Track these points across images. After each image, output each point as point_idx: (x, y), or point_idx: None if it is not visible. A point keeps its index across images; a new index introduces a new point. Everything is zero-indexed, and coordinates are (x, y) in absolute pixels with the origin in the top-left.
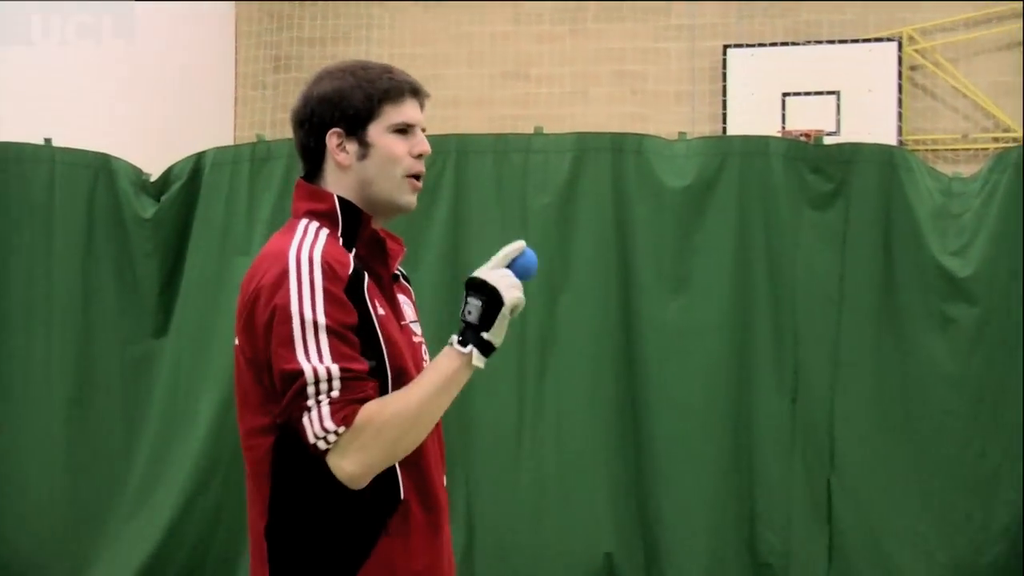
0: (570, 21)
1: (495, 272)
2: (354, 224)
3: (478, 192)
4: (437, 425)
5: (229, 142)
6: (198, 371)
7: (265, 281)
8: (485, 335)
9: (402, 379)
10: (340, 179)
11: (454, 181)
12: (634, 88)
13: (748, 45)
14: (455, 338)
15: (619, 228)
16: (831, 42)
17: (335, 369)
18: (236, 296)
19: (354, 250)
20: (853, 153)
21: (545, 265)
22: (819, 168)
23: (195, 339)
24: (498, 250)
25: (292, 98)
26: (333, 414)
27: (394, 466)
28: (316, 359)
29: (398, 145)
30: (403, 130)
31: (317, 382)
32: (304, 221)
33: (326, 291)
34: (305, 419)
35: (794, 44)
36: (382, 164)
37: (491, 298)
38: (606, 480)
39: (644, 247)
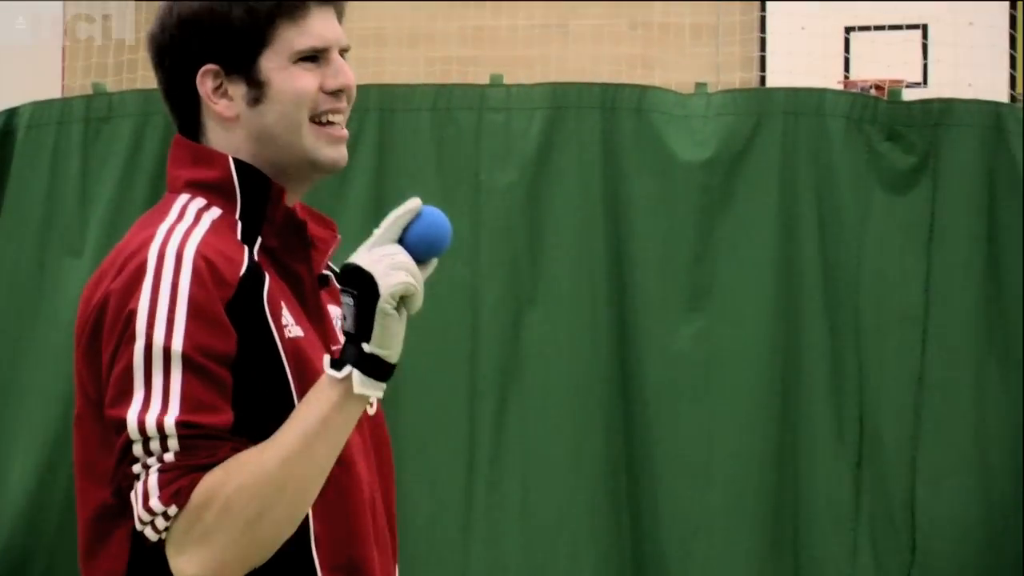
0: None
1: (374, 251)
2: (259, 199)
3: (410, 164)
4: (381, 500)
5: (55, 94)
6: (7, 412)
7: (115, 285)
8: (367, 347)
9: None
10: (228, 136)
11: (376, 148)
12: (633, 19)
13: None
14: (327, 359)
15: (611, 218)
16: None
17: (170, 421)
18: (69, 313)
19: (258, 240)
20: (945, 113)
21: (507, 268)
22: (896, 134)
23: (4, 369)
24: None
25: (143, 30)
26: (161, 487)
27: (312, 563)
28: (155, 404)
29: (304, 79)
30: (312, 57)
31: (146, 439)
32: (183, 197)
33: (192, 302)
34: (132, 494)
35: None
36: (283, 107)
37: (364, 290)
38: None
39: (647, 245)
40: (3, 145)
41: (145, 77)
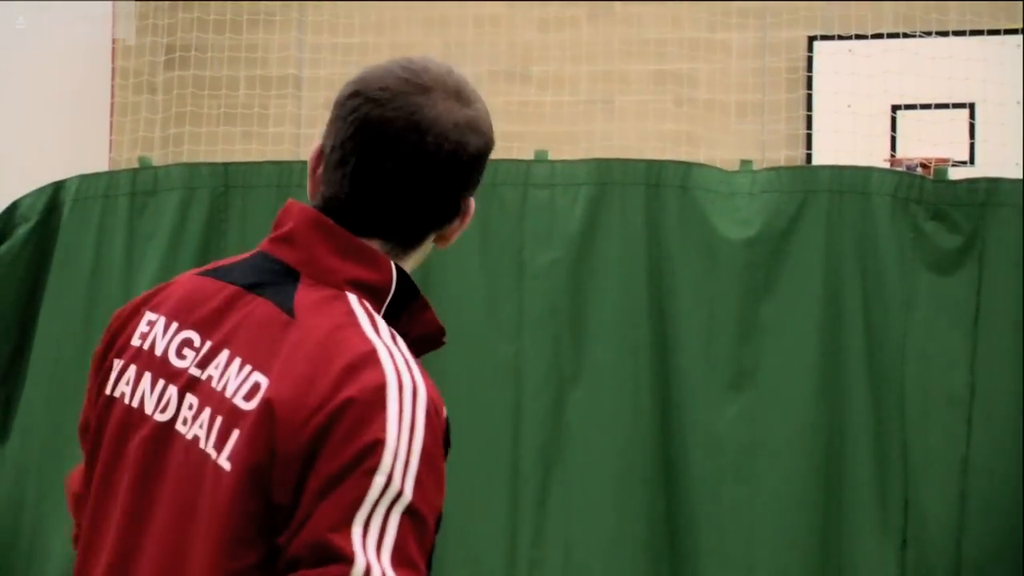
0: (588, 1)
1: None
2: (401, 307)
3: (455, 241)
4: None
5: (102, 167)
6: (51, 495)
7: (356, 395)
8: None
9: None
10: (422, 253)
11: None
12: (679, 96)
13: (843, 37)
14: None
15: (654, 298)
16: (961, 33)
17: (390, 566)
18: None
19: None
20: (992, 192)
21: (550, 349)
22: (942, 214)
23: (48, 450)
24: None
25: (190, 105)
26: None
27: None
28: (373, 551)
29: None
30: None
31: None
32: (354, 300)
33: (426, 452)
34: None
35: (908, 35)
36: (429, 254)
37: None
38: None
39: (690, 324)
40: (50, 218)
41: (191, 151)
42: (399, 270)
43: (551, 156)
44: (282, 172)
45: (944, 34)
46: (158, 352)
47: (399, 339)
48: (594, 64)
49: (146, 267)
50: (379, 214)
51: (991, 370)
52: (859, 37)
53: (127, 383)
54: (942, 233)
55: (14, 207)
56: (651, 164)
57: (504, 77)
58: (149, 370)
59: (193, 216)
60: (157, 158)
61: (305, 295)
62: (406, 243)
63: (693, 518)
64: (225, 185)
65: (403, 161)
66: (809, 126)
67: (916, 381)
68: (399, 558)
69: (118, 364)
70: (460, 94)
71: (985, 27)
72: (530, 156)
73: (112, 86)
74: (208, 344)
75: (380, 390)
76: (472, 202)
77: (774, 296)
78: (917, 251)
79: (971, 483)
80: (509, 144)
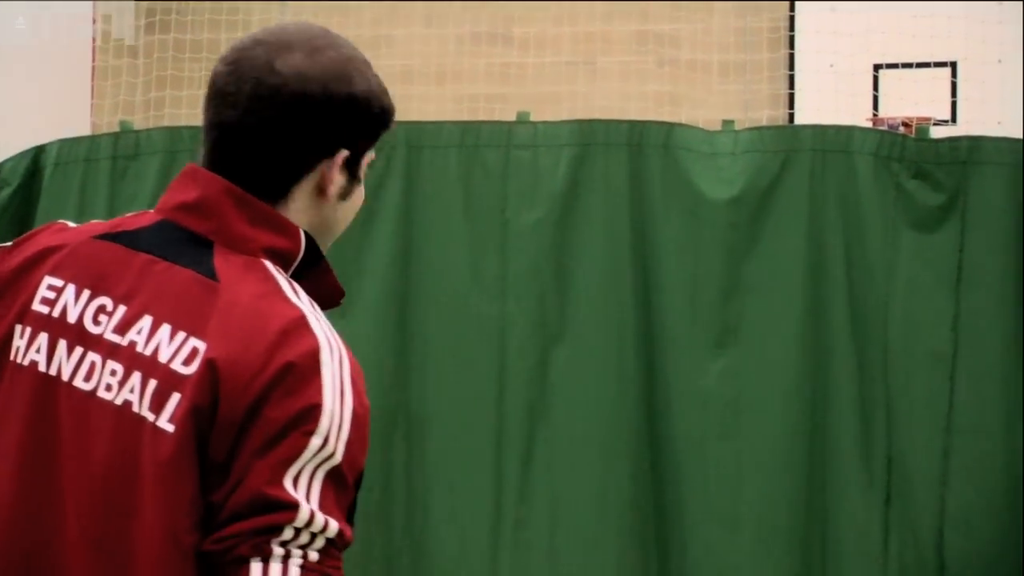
0: None
1: None
2: (308, 272)
3: (437, 201)
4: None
5: (84, 131)
6: None
7: (295, 359)
8: None
9: None
10: (308, 211)
11: (403, 185)
12: (661, 57)
13: None
14: None
15: (638, 256)
16: None
17: (335, 527)
18: None
19: None
20: (973, 151)
21: (534, 308)
22: (925, 172)
23: None
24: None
25: (171, 68)
26: None
27: None
28: (323, 504)
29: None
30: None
31: (309, 528)
32: (272, 267)
33: (354, 416)
34: (270, 565)
35: None
36: (349, 214)
37: None
38: None
39: (673, 282)
40: (31, 182)
41: (172, 115)
42: (307, 236)
43: (533, 117)
44: None
45: None
46: (71, 319)
47: (315, 304)
48: (576, 25)
49: None
50: (239, 169)
51: (974, 327)
52: None
53: (38, 350)
54: (924, 191)
55: None
56: (633, 124)
57: (486, 38)
58: (64, 337)
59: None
60: (138, 122)
61: (223, 261)
62: (271, 196)
63: (678, 475)
64: None
65: (242, 112)
66: (792, 86)
67: (899, 338)
68: (346, 517)
69: (22, 330)
70: (307, 45)
71: None
72: (512, 117)
73: (93, 50)
74: (123, 309)
75: (315, 355)
76: (342, 154)
77: (757, 255)
78: (899, 209)
79: (954, 440)
80: (492, 106)
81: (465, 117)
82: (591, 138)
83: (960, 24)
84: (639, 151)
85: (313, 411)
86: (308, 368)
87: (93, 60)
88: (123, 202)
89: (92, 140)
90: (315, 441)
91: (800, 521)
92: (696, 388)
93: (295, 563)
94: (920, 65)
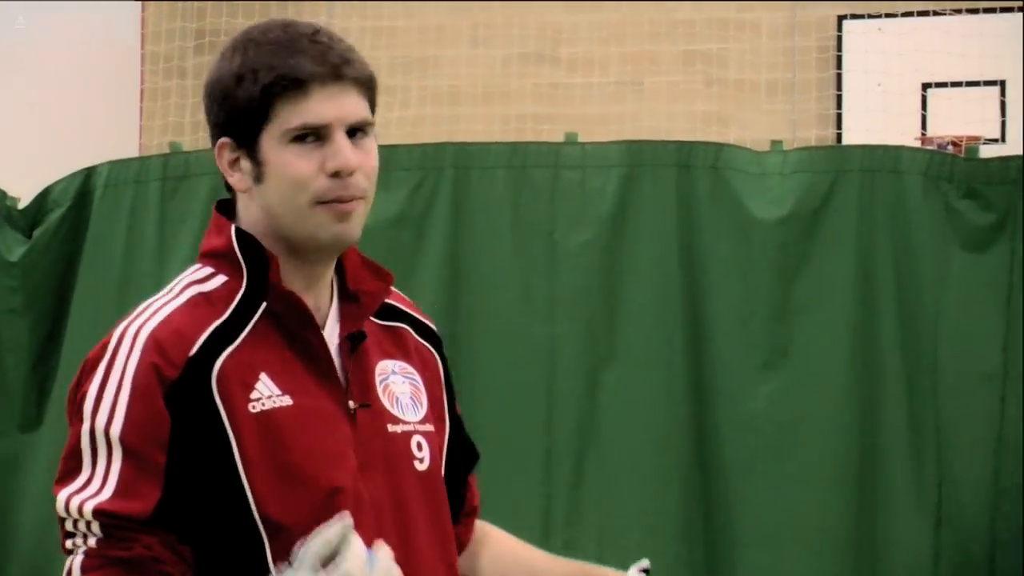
0: None
1: None
2: (260, 268)
3: (485, 223)
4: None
5: (132, 152)
6: None
7: (89, 356)
8: None
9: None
10: (247, 207)
11: (451, 208)
12: (709, 76)
13: (874, 15)
14: None
15: (687, 276)
16: (992, 10)
17: (89, 508)
18: None
19: (263, 306)
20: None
21: (583, 329)
22: (975, 192)
23: None
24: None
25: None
26: (84, 572)
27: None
28: (89, 488)
29: (297, 163)
30: (305, 136)
31: (74, 520)
32: (190, 268)
33: (134, 386)
34: (64, 569)
35: (939, 14)
36: (281, 190)
37: None
38: None
39: (723, 303)
40: (82, 204)
41: None
42: (240, 233)
43: (581, 138)
44: None
45: (975, 11)
46: None
47: (179, 296)
48: (624, 45)
49: (177, 252)
50: None
51: None
52: (889, 16)
53: None
54: (975, 211)
55: (47, 192)
56: (682, 145)
57: (534, 59)
58: None
59: None
60: (187, 143)
61: None
62: (230, 197)
63: (728, 497)
64: None
65: None
66: (839, 105)
67: (950, 359)
68: (119, 490)
69: None
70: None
71: (1016, 4)
72: (560, 138)
73: (142, 71)
74: None
75: (103, 349)
76: (224, 153)
77: (807, 275)
78: (949, 229)
79: (1005, 461)
80: (539, 126)
81: (512, 138)
82: (639, 159)
83: (1009, 43)
84: (687, 171)
85: (82, 401)
86: (88, 370)
87: (142, 82)
88: (173, 224)
89: (142, 161)
90: (84, 427)
91: (849, 543)
92: (745, 410)
93: (79, 555)
94: (969, 84)
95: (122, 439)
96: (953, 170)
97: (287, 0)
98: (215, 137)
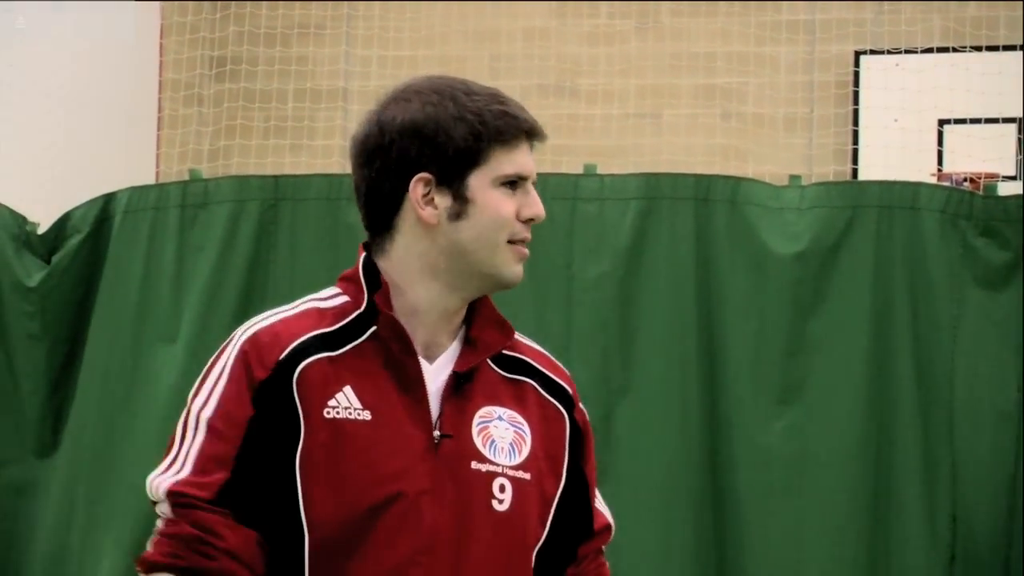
0: (636, 15)
1: None
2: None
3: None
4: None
5: (150, 179)
6: (101, 504)
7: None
8: None
9: (353, 525)
10: (420, 241)
11: None
12: (727, 110)
13: (892, 51)
14: None
15: (703, 310)
16: (1011, 48)
17: (164, 485)
18: (163, 400)
19: (372, 328)
20: None
21: (598, 362)
22: (992, 230)
23: (98, 459)
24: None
25: (239, 117)
26: (155, 547)
27: None
28: (167, 467)
29: (506, 204)
30: (512, 184)
31: (155, 501)
32: (325, 289)
33: (230, 377)
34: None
35: (957, 50)
36: (483, 227)
37: None
38: None
39: (739, 338)
40: (100, 230)
41: (240, 164)
42: (367, 261)
43: (600, 170)
44: (331, 185)
45: (993, 49)
46: None
47: (293, 308)
48: (642, 78)
49: (196, 279)
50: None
51: None
52: (908, 52)
53: None
54: (992, 249)
55: (66, 218)
56: (700, 178)
57: (553, 91)
58: None
59: (243, 228)
60: (205, 171)
61: None
62: (373, 231)
63: (740, 532)
64: (275, 197)
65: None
66: (856, 141)
67: (965, 397)
68: (197, 464)
69: None
70: (392, 97)
71: None
72: (579, 170)
73: (159, 99)
74: None
75: (220, 350)
76: (420, 187)
77: (823, 311)
78: (966, 267)
79: (1020, 499)
80: (558, 158)
81: None
82: (657, 191)
83: None
84: (705, 205)
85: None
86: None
87: (160, 109)
88: (191, 251)
89: (161, 188)
90: (182, 416)
91: None
92: (759, 445)
93: (158, 529)
94: (987, 121)
95: (209, 422)
96: (971, 207)
97: (307, 31)
98: (409, 172)
